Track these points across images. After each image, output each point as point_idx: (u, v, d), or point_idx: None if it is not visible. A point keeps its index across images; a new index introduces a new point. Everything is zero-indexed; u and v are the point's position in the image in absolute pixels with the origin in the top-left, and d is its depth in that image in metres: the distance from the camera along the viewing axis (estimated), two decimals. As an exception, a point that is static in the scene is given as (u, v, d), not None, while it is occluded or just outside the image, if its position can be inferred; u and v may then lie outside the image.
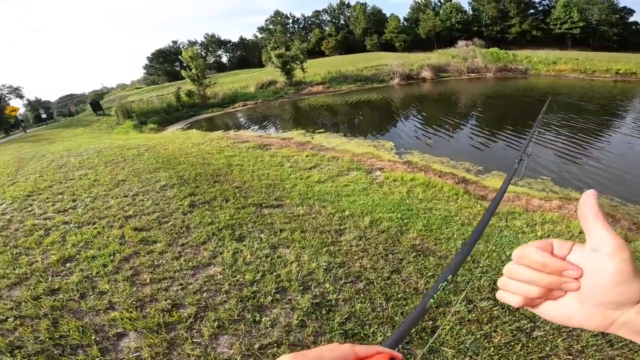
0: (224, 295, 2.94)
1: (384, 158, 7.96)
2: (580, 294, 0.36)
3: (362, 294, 2.90)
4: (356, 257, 3.45)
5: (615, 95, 17.38)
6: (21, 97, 54.59)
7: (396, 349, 0.40)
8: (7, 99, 50.30)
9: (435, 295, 0.62)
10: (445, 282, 0.66)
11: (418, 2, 61.91)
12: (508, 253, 3.43)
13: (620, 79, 23.13)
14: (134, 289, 3.03)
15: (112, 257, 3.55)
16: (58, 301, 2.89)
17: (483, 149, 8.98)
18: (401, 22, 61.91)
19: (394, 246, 3.63)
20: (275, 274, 3.20)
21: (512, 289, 0.40)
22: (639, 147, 8.51)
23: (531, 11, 55.51)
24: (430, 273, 3.13)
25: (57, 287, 3.11)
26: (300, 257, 3.47)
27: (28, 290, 3.06)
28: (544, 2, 55.47)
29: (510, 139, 9.60)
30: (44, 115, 33.65)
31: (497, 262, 3.30)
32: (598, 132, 10.08)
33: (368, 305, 2.76)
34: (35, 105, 51.45)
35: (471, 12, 58.59)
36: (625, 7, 49.61)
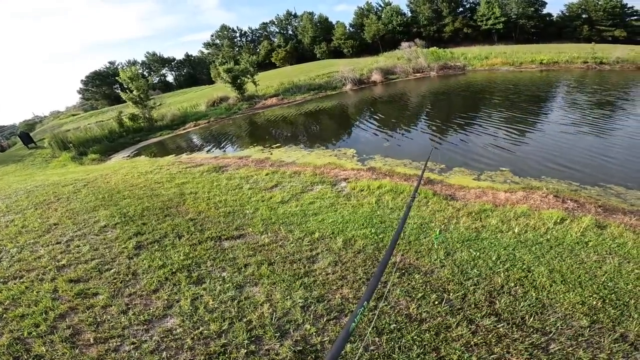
0: (188, 352, 2.53)
1: (347, 167, 7.71)
2: None
3: (347, 332, 2.53)
4: (335, 287, 3.08)
5: (547, 83, 18.96)
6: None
7: None
8: None
9: (356, 320, 0.67)
10: (363, 308, 0.72)
11: (361, 7, 64.30)
12: (494, 257, 3.25)
13: (545, 69, 25.39)
14: (77, 351, 2.62)
15: (44, 315, 3.08)
16: (-10, 366, 2.48)
17: (440, 146, 9.10)
18: (347, 28, 63.84)
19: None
20: (245, 320, 2.80)
21: None
22: (580, 133, 9.15)
23: (460, 9, 60.11)
24: (419, 294, 2.84)
25: (-14, 349, 2.66)
26: (271, 296, 3.06)
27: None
28: (470, -1, 60.49)
29: (462, 133, 9.88)
30: (-32, 155, 29.35)
31: (486, 269, 3.09)
32: (541, 122, 10.75)
33: (359, 344, 2.44)
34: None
35: (410, 14, 61.95)
36: (537, 0, 55.32)
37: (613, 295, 2.65)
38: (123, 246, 4.40)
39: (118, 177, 8.77)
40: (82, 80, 63.17)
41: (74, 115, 46.93)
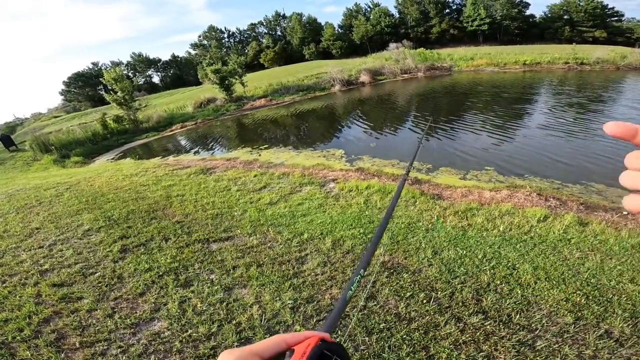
0: (177, 355, 2.49)
1: (335, 168, 7.72)
2: None
3: (339, 332, 2.55)
4: (324, 288, 3.07)
5: (530, 84, 19.39)
6: None
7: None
8: None
9: (352, 287, 0.67)
10: (359, 276, 0.70)
11: (350, 9, 64.72)
12: (480, 256, 3.29)
13: (527, 69, 25.96)
14: (62, 355, 2.59)
15: (28, 319, 3.04)
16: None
17: (426, 146, 9.20)
18: (336, 29, 64.10)
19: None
20: (234, 322, 2.77)
21: None
22: (558, 134, 9.38)
23: (447, 11, 61.14)
24: (408, 293, 2.85)
25: (-29, 354, 2.61)
26: (260, 297, 3.03)
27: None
28: (456, 0, 61.66)
29: (447, 134, 10.02)
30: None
31: (472, 268, 3.12)
32: (524, 123, 11.00)
33: (349, 344, 2.43)
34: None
35: (398, 16, 62.64)
36: (521, 1, 56.68)
37: (596, 291, 2.70)
38: (108, 250, 4.31)
39: (102, 180, 8.57)
40: (64, 82, 61.66)
41: (55, 117, 45.74)
